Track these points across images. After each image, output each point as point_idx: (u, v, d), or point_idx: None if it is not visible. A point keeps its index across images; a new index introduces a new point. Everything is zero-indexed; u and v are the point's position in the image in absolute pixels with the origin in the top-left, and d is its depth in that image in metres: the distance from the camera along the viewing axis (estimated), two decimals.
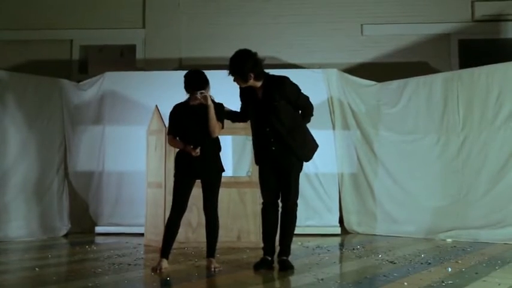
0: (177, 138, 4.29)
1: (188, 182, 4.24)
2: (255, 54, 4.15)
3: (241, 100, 4.39)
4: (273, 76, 4.24)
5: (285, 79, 4.23)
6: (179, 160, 4.27)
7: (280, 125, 4.15)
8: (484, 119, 6.05)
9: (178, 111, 4.33)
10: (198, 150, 4.12)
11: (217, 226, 4.30)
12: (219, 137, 4.34)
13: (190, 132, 4.22)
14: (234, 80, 4.20)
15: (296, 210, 4.28)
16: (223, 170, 4.34)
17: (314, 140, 4.36)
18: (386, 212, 6.67)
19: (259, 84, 4.19)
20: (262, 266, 4.21)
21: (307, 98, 4.32)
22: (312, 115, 4.39)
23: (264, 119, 4.18)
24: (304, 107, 4.31)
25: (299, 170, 4.30)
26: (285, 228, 4.26)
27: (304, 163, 4.37)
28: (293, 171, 4.24)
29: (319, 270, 4.15)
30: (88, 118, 7.10)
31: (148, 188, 5.92)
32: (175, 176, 4.28)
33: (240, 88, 4.32)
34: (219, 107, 4.27)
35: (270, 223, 4.29)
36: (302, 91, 4.27)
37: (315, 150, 4.36)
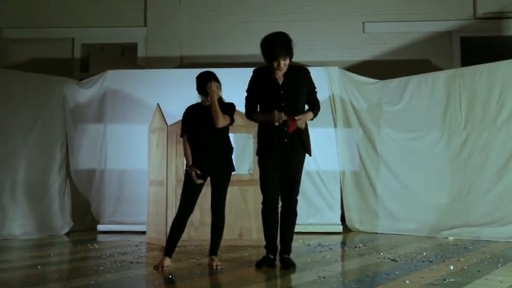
0: (188, 146, 4.33)
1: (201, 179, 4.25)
2: None
3: (253, 90, 4.25)
4: (296, 66, 4.34)
5: (309, 71, 4.33)
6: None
7: (297, 111, 4.14)
8: (486, 116, 6.04)
9: (190, 112, 4.39)
10: (198, 180, 4.20)
11: (223, 224, 4.32)
12: (229, 136, 4.39)
13: (200, 131, 4.25)
14: (283, 60, 4.12)
15: (296, 206, 4.28)
16: (233, 170, 4.35)
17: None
18: (388, 210, 6.66)
19: (286, 68, 4.20)
20: (264, 264, 4.21)
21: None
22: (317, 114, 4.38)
23: (283, 104, 4.11)
24: (315, 102, 4.33)
25: (302, 166, 4.29)
26: (287, 227, 4.25)
27: (307, 163, 4.38)
28: (301, 167, 4.24)
29: (321, 268, 4.15)
30: (90, 116, 7.10)
31: (150, 186, 5.92)
32: (185, 175, 4.31)
33: (255, 75, 4.27)
34: (229, 105, 4.32)
35: (272, 222, 4.26)
36: None
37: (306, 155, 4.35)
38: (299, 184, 4.26)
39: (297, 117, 4.05)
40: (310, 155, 4.31)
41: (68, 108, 7.00)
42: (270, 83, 4.19)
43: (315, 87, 4.36)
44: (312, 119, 4.32)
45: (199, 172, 4.20)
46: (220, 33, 8.23)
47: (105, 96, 7.08)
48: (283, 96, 4.12)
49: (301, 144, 4.18)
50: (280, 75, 4.20)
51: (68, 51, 8.53)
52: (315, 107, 4.30)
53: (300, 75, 4.23)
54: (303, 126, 4.15)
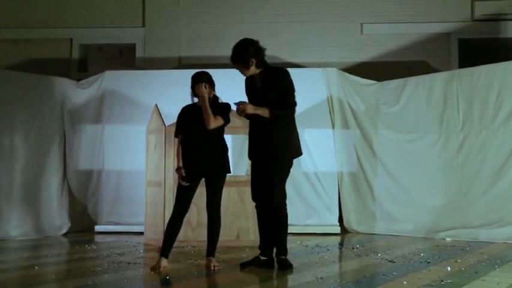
0: (180, 148, 4.34)
1: (192, 181, 4.25)
2: (256, 42, 4.21)
3: (247, 93, 4.38)
4: (274, 67, 4.28)
5: (284, 71, 4.24)
6: (184, 160, 4.29)
7: (266, 118, 4.13)
8: (483, 118, 6.05)
9: (185, 112, 4.40)
10: (184, 182, 4.20)
11: (219, 225, 4.31)
12: (224, 137, 4.39)
13: (195, 132, 4.25)
14: (237, 68, 4.22)
15: (282, 209, 4.19)
16: (229, 171, 4.34)
17: (298, 147, 4.27)
18: (386, 211, 6.67)
19: (259, 71, 4.22)
20: (250, 265, 4.24)
21: (292, 100, 4.16)
22: (285, 114, 4.16)
23: (281, 102, 4.16)
24: (281, 100, 4.12)
25: (282, 170, 4.17)
26: (275, 228, 4.24)
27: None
28: (273, 171, 4.15)
29: (319, 269, 4.15)
30: (87, 117, 7.10)
31: (148, 186, 5.92)
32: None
33: (245, 81, 4.33)
34: (224, 106, 4.31)
35: (260, 223, 4.31)
36: (295, 92, 4.18)
37: (295, 156, 4.26)
38: (275, 187, 4.13)
39: (237, 102, 4.12)
40: (273, 158, 4.15)
41: (66, 109, 6.99)
42: (252, 86, 4.27)
43: (288, 88, 4.17)
44: (271, 117, 4.11)
45: (184, 174, 4.20)
46: (218, 34, 8.22)
47: (103, 97, 7.08)
48: (258, 99, 4.17)
49: (264, 147, 4.17)
50: (258, 79, 4.23)
51: (66, 52, 8.51)
52: (277, 105, 4.12)
53: (271, 76, 4.20)
54: (242, 112, 4.10)
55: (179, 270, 4.20)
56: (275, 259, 4.25)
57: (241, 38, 4.35)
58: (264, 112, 4.12)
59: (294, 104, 4.19)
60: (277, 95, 4.14)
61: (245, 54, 4.14)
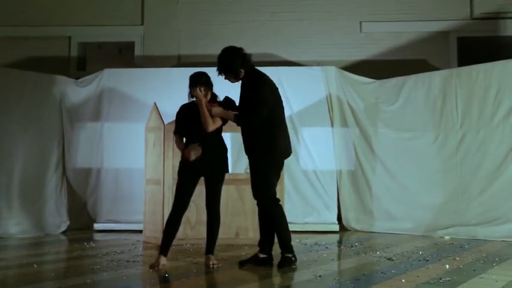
0: (184, 139, 4.35)
1: (191, 179, 4.26)
2: (241, 49, 4.18)
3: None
4: (257, 73, 4.23)
5: (260, 82, 4.17)
6: (184, 158, 4.30)
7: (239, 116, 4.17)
8: (482, 116, 6.06)
9: (184, 111, 4.40)
10: (193, 154, 4.14)
11: (219, 223, 4.32)
12: (222, 135, 4.39)
13: (194, 130, 4.25)
14: (226, 78, 4.23)
15: (272, 207, 4.17)
16: (227, 170, 4.35)
17: (280, 150, 4.18)
18: (384, 209, 6.68)
19: (236, 81, 4.25)
20: (247, 263, 4.25)
21: (258, 111, 4.07)
22: (247, 122, 4.15)
23: (244, 111, 4.19)
24: (248, 113, 4.12)
25: (260, 173, 4.14)
26: (271, 226, 4.25)
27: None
28: (255, 167, 4.18)
29: (318, 267, 4.16)
30: (86, 115, 7.10)
31: (147, 185, 5.92)
32: (179, 173, 4.30)
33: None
34: (223, 105, 4.30)
35: (261, 220, 4.32)
36: (265, 105, 4.09)
37: (279, 158, 4.21)
38: (263, 185, 4.13)
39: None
40: (254, 158, 4.18)
41: (65, 107, 7.00)
42: (242, 87, 4.28)
43: (257, 98, 4.09)
44: (235, 122, 4.20)
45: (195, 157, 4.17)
46: (217, 32, 8.22)
47: (102, 95, 7.08)
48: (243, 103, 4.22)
49: (246, 148, 4.24)
50: (245, 81, 4.23)
51: (64, 50, 8.52)
52: (243, 112, 4.15)
53: (250, 82, 4.19)
54: (211, 111, 4.15)
55: (178, 268, 4.21)
56: (281, 256, 4.24)
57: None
58: (228, 116, 4.19)
59: (259, 114, 4.07)
60: (248, 103, 4.13)
61: (234, 66, 4.12)
